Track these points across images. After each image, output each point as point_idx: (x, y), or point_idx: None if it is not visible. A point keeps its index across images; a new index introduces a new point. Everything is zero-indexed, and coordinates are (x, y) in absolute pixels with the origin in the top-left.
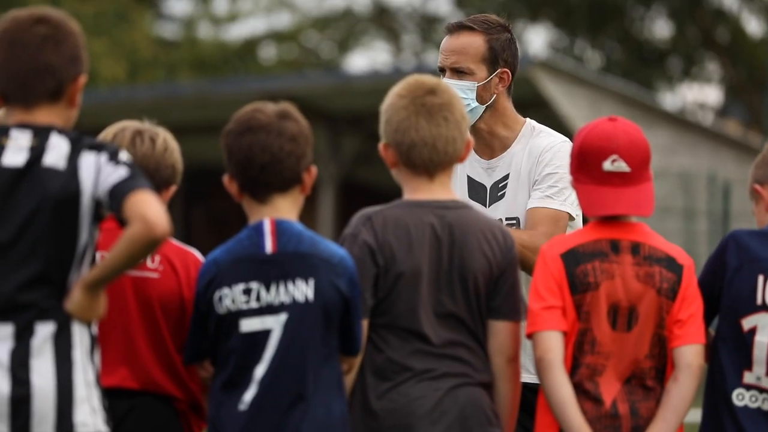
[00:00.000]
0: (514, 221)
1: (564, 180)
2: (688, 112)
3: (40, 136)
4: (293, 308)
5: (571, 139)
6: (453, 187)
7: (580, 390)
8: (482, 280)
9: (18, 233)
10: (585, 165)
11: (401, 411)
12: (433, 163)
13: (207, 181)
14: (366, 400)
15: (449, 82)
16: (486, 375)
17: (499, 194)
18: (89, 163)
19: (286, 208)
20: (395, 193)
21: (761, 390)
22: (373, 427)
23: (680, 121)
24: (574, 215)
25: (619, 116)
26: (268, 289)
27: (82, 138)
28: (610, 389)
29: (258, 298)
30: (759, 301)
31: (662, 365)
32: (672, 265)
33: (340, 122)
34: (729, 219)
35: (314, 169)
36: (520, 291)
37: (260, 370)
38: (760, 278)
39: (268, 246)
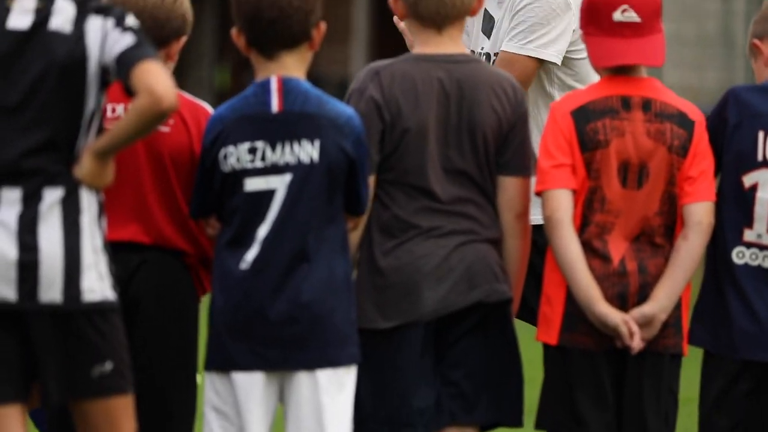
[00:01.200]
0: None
1: (532, 19)
2: None
3: None
4: (298, 169)
5: None
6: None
7: (588, 248)
8: (491, 136)
9: (25, 98)
10: (595, 16)
11: (407, 268)
12: (440, 16)
13: None
14: (372, 257)
15: None
16: (495, 231)
17: (492, 28)
18: (96, 27)
19: (294, 65)
20: None
21: (762, 248)
22: (379, 284)
23: None
24: (539, 57)
25: None
26: (273, 148)
27: (88, 1)
28: (618, 247)
29: (263, 158)
30: (760, 157)
31: (672, 222)
32: (683, 121)
33: None
34: None
35: (323, 25)
36: (530, 146)
37: (263, 230)
38: (761, 134)
39: (275, 104)
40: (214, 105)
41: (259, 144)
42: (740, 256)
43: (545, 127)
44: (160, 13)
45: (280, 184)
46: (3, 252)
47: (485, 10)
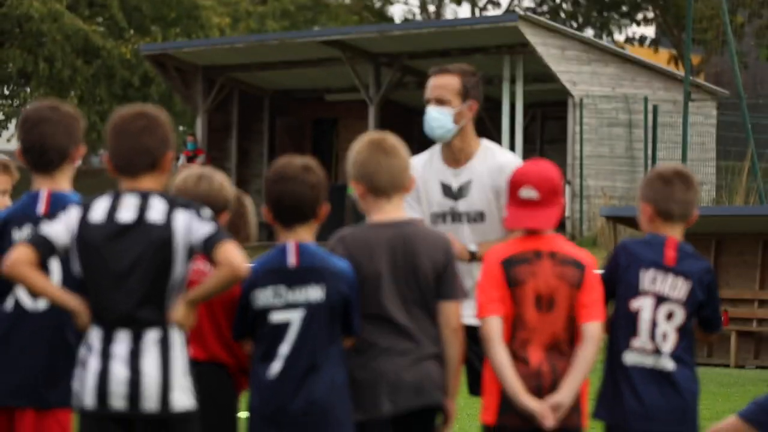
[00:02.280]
0: (479, 214)
1: None
2: (630, 49)
3: (144, 199)
4: (308, 306)
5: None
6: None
7: (515, 356)
8: (430, 274)
9: (130, 268)
10: (509, 193)
11: (374, 381)
12: (390, 185)
13: (285, 100)
14: (351, 370)
15: (433, 109)
16: (437, 348)
17: (464, 193)
18: (182, 218)
19: (305, 233)
20: (421, 109)
21: (644, 352)
22: (356, 389)
23: (625, 58)
24: None
25: (541, 158)
26: (290, 291)
27: (176, 200)
28: (536, 354)
29: (283, 298)
30: (642, 288)
31: (573, 335)
32: (578, 265)
33: (381, 60)
34: (657, 129)
35: (327, 206)
36: (459, 278)
37: (284, 349)
38: (642, 272)
39: (291, 261)
40: None
41: (281, 288)
42: (630, 358)
43: (482, 270)
44: (210, 197)
45: (295, 316)
46: (118, 374)
47: (440, 183)
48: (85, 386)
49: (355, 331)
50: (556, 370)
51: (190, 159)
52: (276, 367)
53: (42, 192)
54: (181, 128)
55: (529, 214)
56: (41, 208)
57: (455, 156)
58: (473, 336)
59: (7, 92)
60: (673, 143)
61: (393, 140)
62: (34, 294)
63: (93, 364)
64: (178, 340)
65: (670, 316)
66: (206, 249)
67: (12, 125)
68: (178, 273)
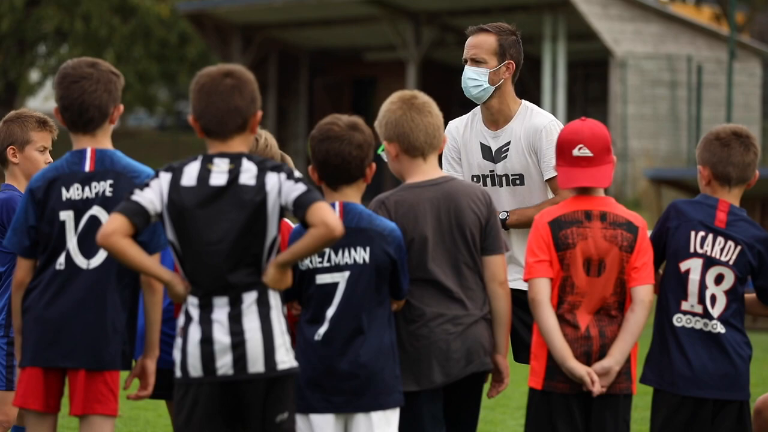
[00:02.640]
0: (518, 177)
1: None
2: (673, 6)
3: (235, 162)
4: (354, 267)
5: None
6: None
7: (562, 320)
8: (476, 230)
9: (224, 234)
10: (561, 153)
11: (423, 350)
12: (426, 144)
13: (324, 59)
14: (400, 339)
15: (469, 69)
16: (485, 309)
17: (502, 155)
18: (273, 180)
19: (352, 194)
20: (461, 68)
21: (694, 314)
22: (404, 360)
23: (668, 16)
24: None
25: (588, 118)
26: (336, 253)
27: (265, 161)
28: (584, 318)
29: (329, 260)
30: (692, 249)
31: (623, 299)
32: (630, 227)
33: (421, 18)
34: (701, 88)
35: (374, 165)
36: (500, 231)
37: (330, 311)
38: (692, 233)
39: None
40: (306, 166)
41: (326, 249)
42: (679, 320)
43: (530, 232)
44: (258, 154)
45: (341, 278)
46: (221, 340)
47: (480, 144)
48: (188, 356)
49: (404, 293)
50: (605, 335)
51: None
52: (322, 329)
53: (87, 150)
54: None
55: (584, 172)
56: (87, 165)
57: (494, 117)
58: (516, 301)
59: (43, 51)
60: (717, 103)
61: (425, 97)
62: (128, 265)
63: (194, 333)
64: (274, 301)
65: (719, 279)
66: (298, 210)
67: (48, 84)
68: (271, 235)
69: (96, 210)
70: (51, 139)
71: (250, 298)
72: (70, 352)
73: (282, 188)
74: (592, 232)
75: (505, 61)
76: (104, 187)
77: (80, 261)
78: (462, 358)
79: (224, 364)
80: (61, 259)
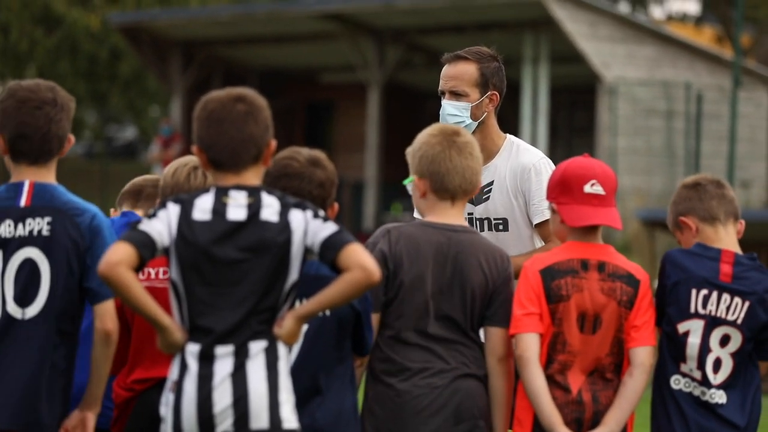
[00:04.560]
0: (501, 221)
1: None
2: (671, 27)
3: (254, 195)
4: (313, 320)
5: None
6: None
7: (552, 381)
8: (479, 292)
9: (241, 276)
10: (568, 189)
11: (404, 405)
12: (460, 189)
13: (274, 82)
14: (376, 393)
15: (448, 103)
16: (479, 370)
17: (484, 197)
18: (299, 218)
19: None
20: (431, 93)
21: (693, 379)
22: (381, 417)
23: (664, 37)
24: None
25: (584, 158)
26: (293, 304)
27: (286, 197)
28: (576, 380)
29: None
30: (692, 309)
31: (620, 360)
32: (631, 280)
33: (385, 35)
34: (701, 119)
35: (336, 206)
36: (511, 304)
37: None
38: (693, 292)
39: None
40: None
41: None
42: (677, 382)
43: (519, 282)
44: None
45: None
46: (222, 400)
47: None
48: (182, 414)
49: (367, 349)
50: (599, 400)
51: (166, 145)
52: None
53: (25, 183)
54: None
55: (596, 211)
56: (23, 200)
57: None
58: None
59: None
60: (718, 137)
61: (468, 136)
62: (128, 303)
63: (190, 387)
64: (283, 352)
65: (725, 340)
66: (328, 251)
67: None
68: (291, 280)
69: (32, 252)
70: None
71: (257, 347)
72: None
73: (309, 227)
74: (589, 284)
75: (488, 92)
76: (41, 225)
77: (13, 310)
78: (450, 416)
79: (224, 422)
80: None
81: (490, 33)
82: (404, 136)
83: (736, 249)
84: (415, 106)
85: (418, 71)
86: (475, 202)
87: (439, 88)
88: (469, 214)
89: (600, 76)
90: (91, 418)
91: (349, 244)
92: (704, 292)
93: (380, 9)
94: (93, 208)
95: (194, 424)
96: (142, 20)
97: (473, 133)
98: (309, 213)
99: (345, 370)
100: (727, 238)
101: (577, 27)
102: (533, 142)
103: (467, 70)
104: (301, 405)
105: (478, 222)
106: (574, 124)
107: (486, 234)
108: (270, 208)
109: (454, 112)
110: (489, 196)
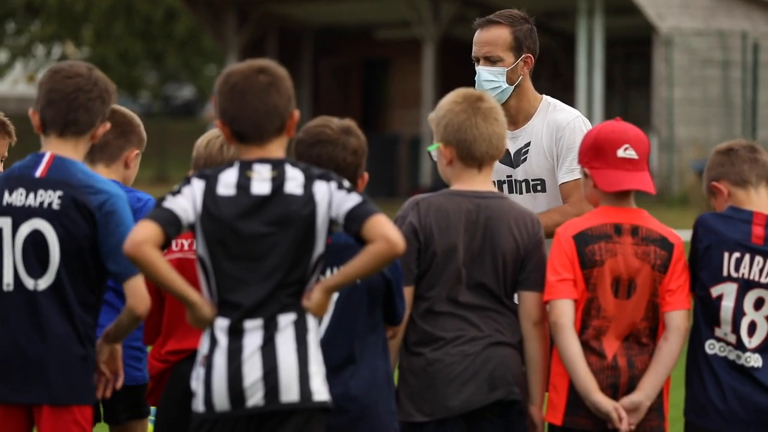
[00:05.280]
0: (539, 182)
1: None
2: None
3: (278, 168)
4: (343, 289)
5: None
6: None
7: (587, 347)
8: (510, 257)
9: (268, 249)
10: (601, 153)
11: (437, 374)
12: (487, 155)
13: (330, 38)
14: (410, 363)
15: (484, 69)
16: (514, 336)
17: (521, 158)
18: (323, 190)
19: None
20: None
21: (727, 343)
22: (414, 386)
23: None
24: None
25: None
26: (323, 273)
27: (311, 168)
28: (611, 346)
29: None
30: (725, 272)
31: (655, 325)
32: (665, 244)
33: None
34: (758, 68)
35: (366, 175)
36: (544, 267)
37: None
38: (726, 255)
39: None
40: None
41: None
42: (711, 347)
43: (551, 247)
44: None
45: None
46: (252, 372)
47: None
48: (213, 388)
49: (399, 318)
50: (635, 365)
51: None
52: None
53: (46, 154)
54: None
55: (630, 175)
56: (40, 171)
57: (512, 117)
58: None
59: (11, 29)
60: None
61: (491, 101)
62: (155, 280)
63: (220, 361)
64: (313, 324)
65: (759, 303)
66: (352, 223)
67: (18, 66)
68: (318, 252)
69: (39, 223)
70: (7, 145)
71: (286, 320)
72: (29, 386)
73: (333, 199)
74: (622, 248)
75: (523, 55)
76: (51, 198)
77: (27, 282)
78: (484, 383)
79: (255, 395)
80: (8, 278)
81: None
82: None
83: None
84: (470, 62)
85: (472, 25)
86: (514, 164)
87: (473, 54)
88: (508, 176)
89: (655, 27)
90: (120, 350)
91: (372, 216)
92: (737, 254)
93: None
94: (112, 188)
95: (225, 398)
96: None
97: (510, 97)
98: (333, 184)
99: (377, 339)
100: (759, 201)
101: None
102: (589, 95)
103: (501, 34)
104: (334, 374)
105: (517, 184)
106: (630, 76)
107: (524, 195)
108: (294, 180)
109: (489, 77)
110: (527, 157)
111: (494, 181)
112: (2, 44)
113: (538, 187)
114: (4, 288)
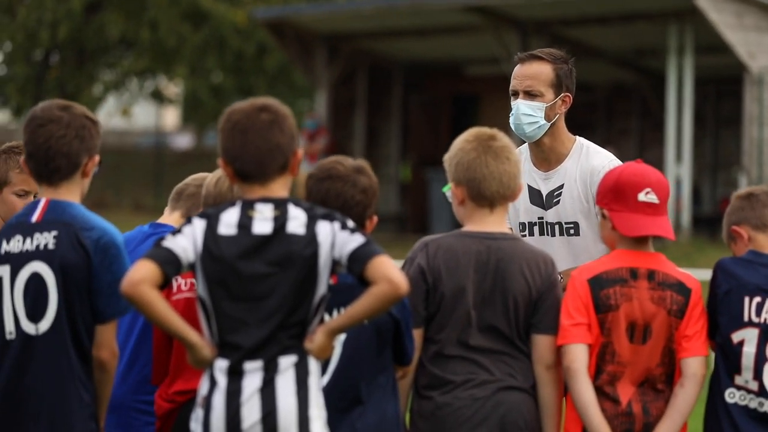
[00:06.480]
0: (572, 225)
1: None
2: None
3: (281, 207)
4: (351, 330)
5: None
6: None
7: (601, 392)
8: (521, 299)
9: (269, 290)
10: (622, 196)
11: (447, 418)
12: (498, 195)
13: (420, 73)
14: (419, 407)
15: (523, 103)
16: (526, 381)
17: (554, 201)
18: (326, 230)
19: None
20: (577, 84)
21: (749, 391)
22: (423, 429)
23: None
24: None
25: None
26: (330, 313)
27: (314, 208)
28: (626, 391)
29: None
30: (746, 317)
31: (671, 371)
32: (682, 289)
33: (528, 27)
34: None
35: (375, 218)
36: (558, 310)
37: (324, 379)
38: (746, 299)
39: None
40: (400, 194)
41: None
42: (731, 396)
43: (566, 291)
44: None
45: (337, 342)
46: (250, 415)
47: (528, 186)
48: (211, 429)
49: (409, 358)
50: (650, 412)
51: (311, 139)
52: None
53: (42, 201)
54: (302, 107)
55: (650, 220)
56: (36, 216)
57: (545, 156)
58: None
59: (105, 63)
60: None
61: (504, 140)
62: (153, 321)
63: (218, 403)
64: (314, 367)
65: None
66: (355, 264)
67: (111, 100)
68: (320, 293)
69: (38, 266)
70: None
71: (287, 362)
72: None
73: (336, 239)
74: (638, 293)
75: (562, 94)
76: (47, 239)
77: (26, 326)
78: (495, 428)
79: None
80: (9, 326)
81: (634, 24)
82: None
83: None
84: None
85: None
86: (545, 206)
87: (511, 87)
88: (539, 218)
89: (746, 65)
90: None
91: (376, 257)
92: (757, 299)
93: (523, 1)
94: (107, 226)
95: None
96: (287, 15)
97: (544, 135)
98: (337, 224)
99: (386, 380)
100: None
101: (722, 17)
102: (678, 134)
103: (543, 70)
104: (341, 415)
105: (548, 226)
106: (720, 114)
107: (557, 238)
108: (296, 220)
109: (528, 111)
110: (559, 200)
111: (525, 223)
112: (96, 78)
113: (572, 231)
114: (7, 337)
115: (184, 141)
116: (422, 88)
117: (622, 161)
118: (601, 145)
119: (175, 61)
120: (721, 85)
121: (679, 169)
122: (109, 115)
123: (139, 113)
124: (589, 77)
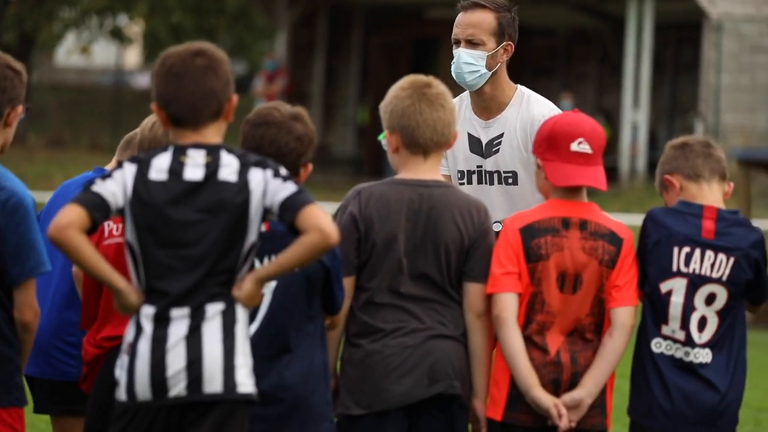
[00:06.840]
0: (510, 175)
1: None
2: None
3: (213, 154)
4: (281, 278)
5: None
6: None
7: (529, 342)
8: (453, 248)
9: (198, 237)
10: (554, 145)
11: (376, 366)
12: (432, 142)
13: (380, 16)
14: (349, 355)
15: (464, 51)
16: (456, 329)
17: (493, 149)
18: (258, 178)
19: None
20: (537, 29)
21: (675, 341)
22: (353, 377)
23: None
24: None
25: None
26: (261, 260)
27: (247, 155)
28: (555, 341)
29: (253, 268)
30: (675, 268)
31: (600, 321)
32: (614, 239)
33: None
34: None
35: (310, 166)
36: (490, 258)
37: (253, 327)
38: (675, 249)
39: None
40: (357, 136)
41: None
42: (658, 345)
43: (497, 240)
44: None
45: (266, 290)
46: (176, 361)
47: (468, 134)
48: (135, 377)
49: (338, 307)
50: (578, 361)
51: (270, 80)
52: None
53: None
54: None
55: (583, 170)
56: None
57: (486, 105)
58: None
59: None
60: None
61: (440, 87)
62: (80, 266)
63: (144, 350)
64: (242, 315)
65: (710, 299)
66: (286, 213)
67: (70, 38)
68: (250, 241)
69: None
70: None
71: (214, 309)
72: None
73: (268, 187)
74: (569, 243)
75: (504, 43)
76: None
77: None
78: (424, 376)
79: (178, 385)
80: None
81: None
82: (510, 72)
83: (720, 206)
84: (520, 42)
85: (523, 7)
86: (484, 155)
87: (453, 36)
88: (478, 166)
89: (706, 12)
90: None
91: (307, 206)
92: (686, 249)
93: None
94: (17, 186)
95: (147, 387)
96: None
97: (485, 83)
98: (269, 172)
99: (315, 329)
100: (711, 195)
101: None
102: (636, 80)
103: (485, 18)
104: (269, 363)
105: (487, 175)
106: (679, 61)
107: (495, 187)
108: (229, 167)
109: (470, 60)
110: (499, 149)
111: (464, 171)
112: (56, 15)
113: (510, 180)
114: None
115: (144, 80)
116: (382, 31)
117: (580, 107)
118: (559, 90)
119: (137, 1)
120: (682, 31)
121: (636, 114)
122: (68, 53)
123: (100, 52)
124: (549, 22)
